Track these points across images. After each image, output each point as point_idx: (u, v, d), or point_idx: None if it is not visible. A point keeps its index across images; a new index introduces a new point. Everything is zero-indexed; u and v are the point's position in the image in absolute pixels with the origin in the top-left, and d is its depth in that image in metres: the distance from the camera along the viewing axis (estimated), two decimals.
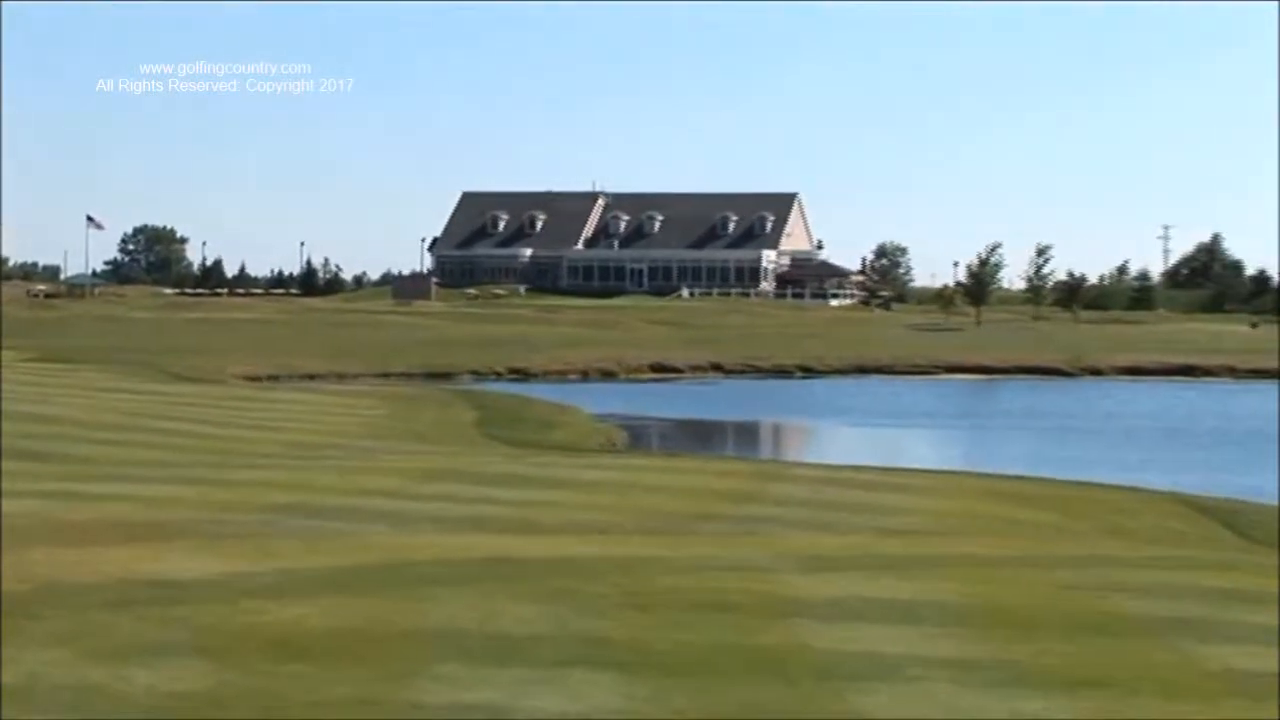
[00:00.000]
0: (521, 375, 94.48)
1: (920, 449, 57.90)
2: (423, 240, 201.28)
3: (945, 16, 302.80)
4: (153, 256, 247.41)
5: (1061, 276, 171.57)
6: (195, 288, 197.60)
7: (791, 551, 19.87)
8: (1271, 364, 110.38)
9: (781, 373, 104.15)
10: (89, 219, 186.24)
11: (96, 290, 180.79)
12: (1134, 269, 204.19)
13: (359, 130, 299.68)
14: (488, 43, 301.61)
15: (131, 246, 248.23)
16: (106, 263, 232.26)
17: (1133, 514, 30.04)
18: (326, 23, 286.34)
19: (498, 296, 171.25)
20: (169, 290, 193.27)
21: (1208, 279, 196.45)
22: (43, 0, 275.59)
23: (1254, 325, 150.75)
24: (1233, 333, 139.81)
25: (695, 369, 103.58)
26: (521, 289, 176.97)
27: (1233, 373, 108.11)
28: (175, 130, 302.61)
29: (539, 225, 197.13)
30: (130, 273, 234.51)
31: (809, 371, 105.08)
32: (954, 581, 17.80)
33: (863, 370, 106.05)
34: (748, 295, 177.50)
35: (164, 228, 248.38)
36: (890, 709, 12.33)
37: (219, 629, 13.92)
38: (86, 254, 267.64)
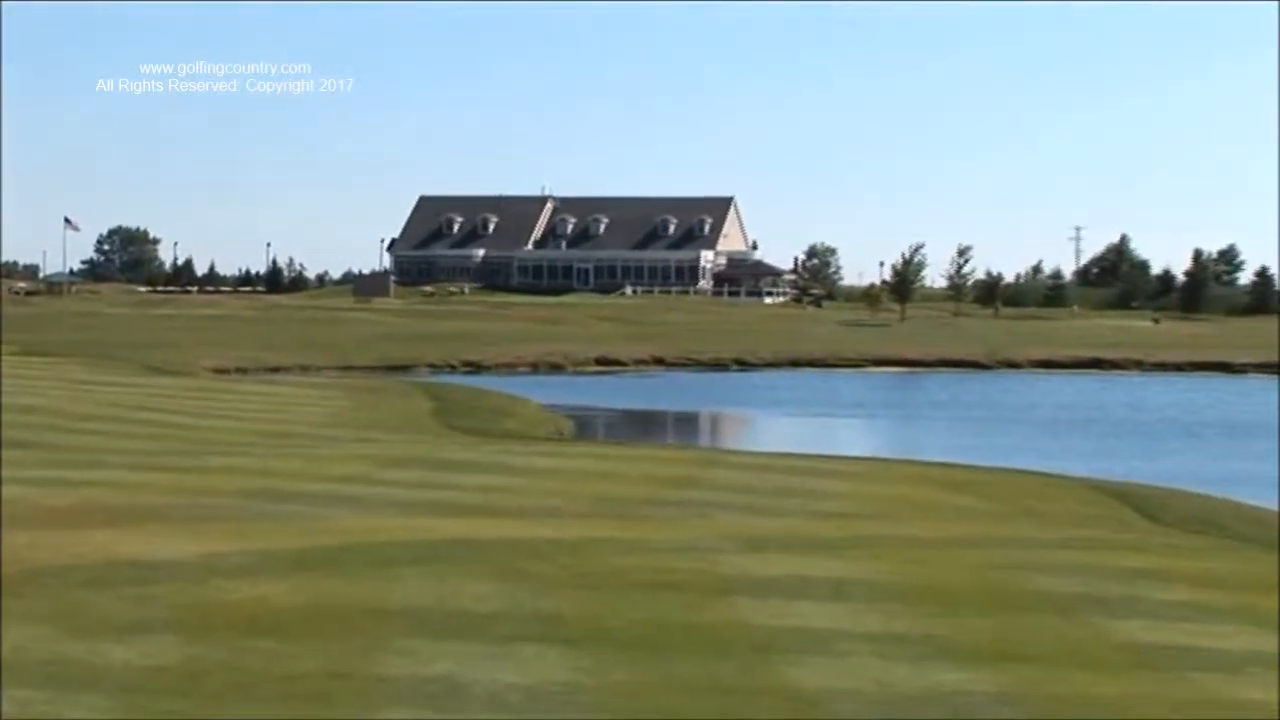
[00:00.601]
0: (475, 368, 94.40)
1: (850, 437, 58.04)
2: (382, 241, 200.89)
3: (872, 28, 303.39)
4: (127, 256, 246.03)
5: (981, 275, 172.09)
6: (167, 286, 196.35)
7: (730, 533, 19.89)
8: (1173, 357, 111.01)
9: (719, 365, 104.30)
10: (66, 220, 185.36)
11: (74, 288, 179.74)
12: (1048, 268, 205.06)
13: (323, 137, 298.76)
14: (443, 54, 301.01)
15: (106, 246, 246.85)
16: (83, 262, 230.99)
17: (1049, 498, 30.13)
18: (290, 32, 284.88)
19: (452, 294, 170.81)
20: (142, 288, 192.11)
21: (1116, 278, 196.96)
22: (37, 0, 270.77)
23: (1155, 321, 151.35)
24: (1137, 328, 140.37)
25: (638, 362, 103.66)
26: (465, 288, 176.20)
27: (1139, 366, 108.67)
28: (149, 136, 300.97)
29: (491, 227, 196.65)
30: (105, 271, 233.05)
31: (745, 364, 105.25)
32: (882, 561, 17.85)
33: (795, 363, 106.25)
34: (687, 293, 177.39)
35: (137, 229, 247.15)
36: (822, 681, 12.37)
37: (193, 607, 13.89)
38: (64, 253, 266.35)
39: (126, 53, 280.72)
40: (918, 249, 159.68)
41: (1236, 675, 13.17)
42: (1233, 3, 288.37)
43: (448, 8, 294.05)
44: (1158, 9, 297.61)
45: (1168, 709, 12.07)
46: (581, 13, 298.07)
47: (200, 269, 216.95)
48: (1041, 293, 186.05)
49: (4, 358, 63.79)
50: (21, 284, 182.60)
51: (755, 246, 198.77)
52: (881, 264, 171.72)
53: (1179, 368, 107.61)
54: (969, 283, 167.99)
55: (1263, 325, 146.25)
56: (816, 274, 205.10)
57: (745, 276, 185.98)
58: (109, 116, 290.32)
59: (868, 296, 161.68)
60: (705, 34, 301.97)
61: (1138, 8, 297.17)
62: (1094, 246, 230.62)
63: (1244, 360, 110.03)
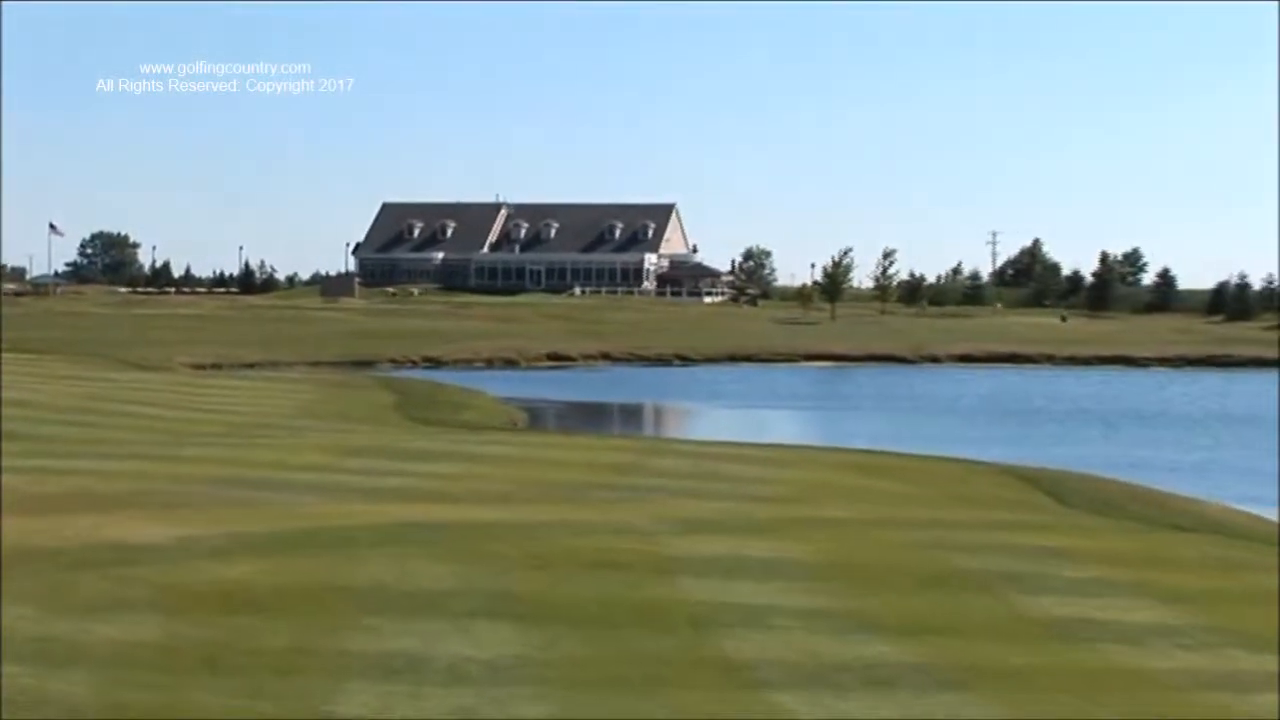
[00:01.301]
0: (434, 363, 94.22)
1: (783, 426, 58.08)
2: (347, 245, 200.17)
3: (802, 42, 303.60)
4: (108, 259, 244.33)
5: (905, 276, 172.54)
6: (146, 287, 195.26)
7: (672, 516, 19.91)
8: (1083, 352, 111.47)
9: (662, 361, 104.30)
10: (51, 226, 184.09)
11: (58, 289, 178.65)
12: (966, 270, 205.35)
13: (292, 147, 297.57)
14: (401, 68, 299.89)
15: (89, 250, 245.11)
16: (67, 265, 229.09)
17: (968, 483, 30.21)
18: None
19: (412, 294, 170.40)
20: (123, 289, 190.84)
21: (1030, 278, 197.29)
22: (30, 0, 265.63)
23: (1063, 319, 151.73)
24: (1048, 325, 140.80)
25: (586, 357, 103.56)
26: (415, 290, 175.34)
27: (1051, 360, 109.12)
28: (130, 146, 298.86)
29: (450, 232, 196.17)
30: (88, 274, 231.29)
31: (686, 359, 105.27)
32: (813, 542, 17.90)
33: (733, 358, 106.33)
34: (632, 293, 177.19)
35: (118, 234, 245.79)
36: (756, 653, 12.41)
37: (171, 587, 13.85)
38: (49, 257, 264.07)
39: (126, 53, 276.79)
40: (846, 252, 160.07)
41: (1138, 645, 13.27)
42: (1137, 4, 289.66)
43: (401, 24, 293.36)
44: (1073, 18, 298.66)
45: (1076, 677, 12.15)
46: (532, 34, 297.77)
47: (177, 271, 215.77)
48: (961, 292, 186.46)
49: None
50: (10, 285, 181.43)
51: (695, 250, 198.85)
52: (813, 266, 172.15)
53: (1087, 362, 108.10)
54: (894, 283, 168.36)
55: (1163, 322, 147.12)
56: (752, 275, 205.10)
57: (686, 277, 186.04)
58: (91, 124, 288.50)
59: (800, 296, 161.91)
60: (650, 51, 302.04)
61: (1049, 15, 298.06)
62: (1009, 250, 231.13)
63: (1147, 355, 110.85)
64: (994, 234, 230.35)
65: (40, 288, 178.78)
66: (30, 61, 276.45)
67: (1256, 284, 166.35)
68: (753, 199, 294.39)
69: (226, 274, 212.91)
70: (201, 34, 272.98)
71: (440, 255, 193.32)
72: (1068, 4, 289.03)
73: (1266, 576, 17.96)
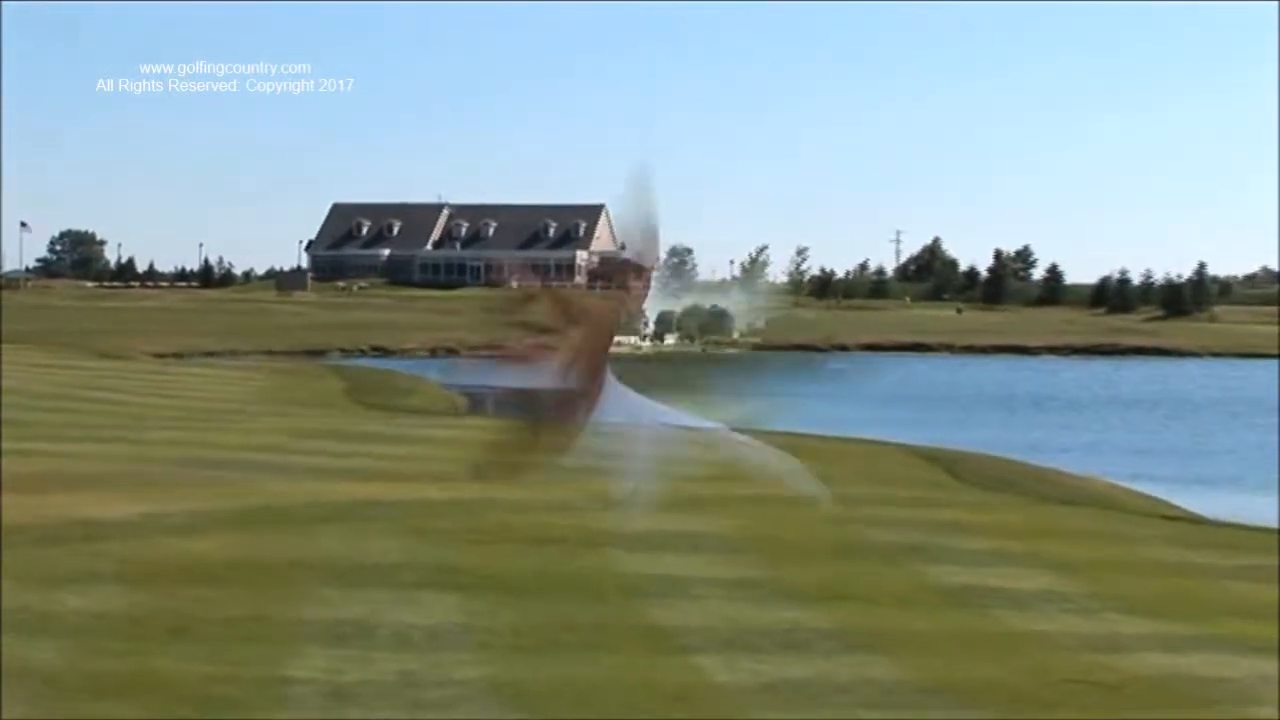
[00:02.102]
0: (382, 353, 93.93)
1: (703, 410, 58.07)
2: (300, 242, 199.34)
3: (720, 50, 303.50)
4: (76, 255, 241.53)
5: (816, 272, 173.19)
6: (112, 281, 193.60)
7: (602, 493, 19.92)
8: (979, 341, 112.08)
9: None
10: (22, 224, 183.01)
11: (29, 284, 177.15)
12: (872, 265, 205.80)
13: (250, 150, 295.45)
14: (354, 79, 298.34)
15: (58, 247, 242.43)
16: (37, 260, 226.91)
17: (877, 462, 30.32)
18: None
19: (361, 289, 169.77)
20: (90, 284, 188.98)
21: (930, 274, 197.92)
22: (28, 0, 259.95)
23: (959, 311, 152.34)
24: (945, 317, 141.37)
25: None
26: (357, 286, 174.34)
27: (950, 349, 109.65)
28: (99, 147, 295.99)
29: (395, 230, 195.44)
30: (57, 269, 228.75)
31: None
32: (733, 517, 17.96)
33: None
34: (565, 287, 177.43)
35: (85, 231, 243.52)
36: (680, 619, 12.47)
37: (137, 561, 13.79)
38: (20, 253, 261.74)
39: (127, 52, 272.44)
40: (762, 249, 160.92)
41: (1029, 610, 13.40)
42: (1032, 6, 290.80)
43: (361, 34, 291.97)
44: (970, 31, 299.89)
45: (973, 639, 12.25)
46: (472, 49, 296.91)
47: (141, 267, 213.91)
48: (868, 287, 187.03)
49: None
50: None
51: (623, 247, 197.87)
52: (731, 262, 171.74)
53: (984, 351, 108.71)
54: (806, 278, 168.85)
55: (1053, 314, 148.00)
56: (675, 271, 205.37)
57: (615, 273, 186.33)
58: (64, 126, 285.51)
59: None
60: (583, 63, 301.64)
61: (947, 29, 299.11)
62: (911, 247, 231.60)
63: (1038, 344, 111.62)
64: (898, 233, 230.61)
65: (11, 282, 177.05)
66: (10, 61, 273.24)
67: (1136, 279, 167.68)
68: (675, 200, 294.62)
69: (187, 269, 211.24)
70: (190, 36, 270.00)
71: (386, 252, 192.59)
72: (965, 8, 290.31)
73: (1145, 547, 18.16)
